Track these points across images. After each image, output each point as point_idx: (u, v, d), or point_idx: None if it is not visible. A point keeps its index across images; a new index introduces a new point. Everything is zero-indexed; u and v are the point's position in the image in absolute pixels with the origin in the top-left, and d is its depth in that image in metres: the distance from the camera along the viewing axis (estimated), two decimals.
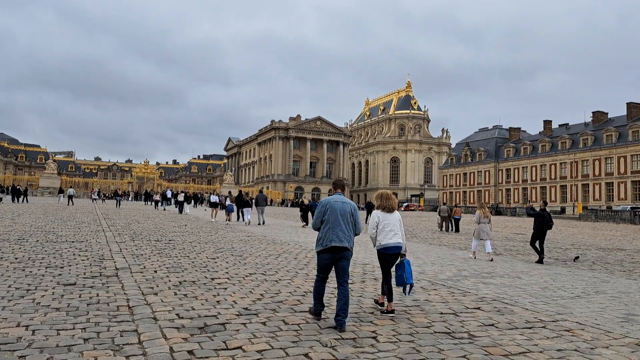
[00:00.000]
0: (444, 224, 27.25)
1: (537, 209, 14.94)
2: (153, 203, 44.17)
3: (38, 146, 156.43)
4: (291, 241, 15.98)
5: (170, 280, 8.14)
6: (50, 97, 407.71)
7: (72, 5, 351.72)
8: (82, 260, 10.09)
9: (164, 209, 39.11)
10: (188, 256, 11.35)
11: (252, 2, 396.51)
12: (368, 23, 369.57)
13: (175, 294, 7.15)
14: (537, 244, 13.53)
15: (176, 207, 35.59)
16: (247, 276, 8.87)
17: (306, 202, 28.76)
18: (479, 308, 6.84)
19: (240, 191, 29.69)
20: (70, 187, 57.20)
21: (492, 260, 12.88)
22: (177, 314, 5.91)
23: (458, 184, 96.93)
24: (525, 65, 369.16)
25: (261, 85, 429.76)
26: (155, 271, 9.05)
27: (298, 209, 36.64)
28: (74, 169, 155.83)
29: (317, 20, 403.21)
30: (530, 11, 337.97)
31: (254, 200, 26.73)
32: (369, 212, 28.54)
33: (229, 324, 5.53)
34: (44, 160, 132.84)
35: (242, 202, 26.01)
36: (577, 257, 14.73)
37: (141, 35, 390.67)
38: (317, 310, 5.88)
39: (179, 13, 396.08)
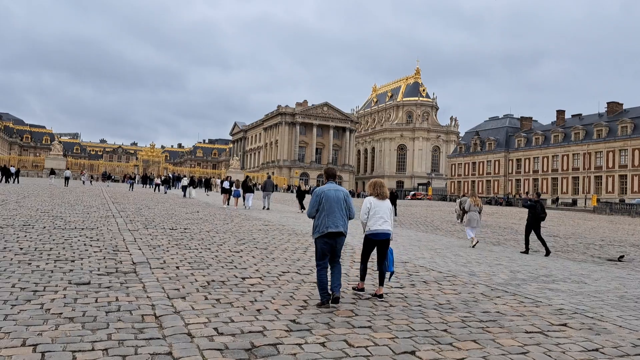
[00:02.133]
0: (464, 215, 26.16)
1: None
2: (153, 186, 43.52)
3: (43, 127, 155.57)
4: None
5: (196, 280, 7.13)
6: (49, 77, 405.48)
7: None
8: (95, 252, 9.08)
9: (165, 193, 38.65)
10: (209, 248, 10.34)
11: None
12: (367, 7, 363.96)
13: (206, 298, 6.13)
14: (530, 236, 13.60)
15: (182, 191, 35.03)
16: (280, 275, 7.85)
17: (303, 187, 28.50)
18: (565, 324, 5.80)
19: (246, 176, 29.79)
20: (68, 168, 56.14)
21: (474, 246, 13.46)
22: (215, 329, 4.89)
23: (467, 173, 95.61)
24: (528, 52, 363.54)
25: (260, 69, 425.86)
26: (177, 267, 8.04)
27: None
28: (79, 151, 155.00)
29: (315, 3, 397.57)
30: None
31: (260, 186, 26.64)
32: (392, 202, 27.40)
33: (282, 345, 4.51)
34: (49, 142, 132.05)
35: (245, 187, 26.00)
36: (622, 257, 13.68)
37: (137, 15, 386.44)
38: (324, 299, 6.03)
39: None
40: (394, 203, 27.55)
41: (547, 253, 12.99)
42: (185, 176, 41.65)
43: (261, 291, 6.69)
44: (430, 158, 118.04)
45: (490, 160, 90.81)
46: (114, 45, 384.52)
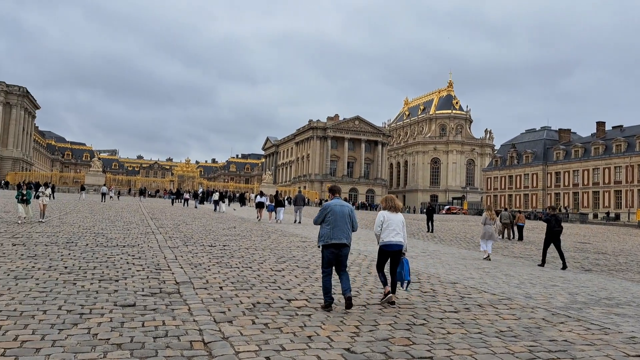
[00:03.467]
0: (505, 231, 25.35)
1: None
2: (183, 201, 45.16)
3: (83, 144, 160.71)
4: (352, 249, 14.59)
5: (241, 302, 6.91)
6: (84, 95, 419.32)
7: (96, 3, 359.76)
8: (138, 270, 9.00)
9: (196, 207, 39.38)
10: (250, 267, 10.15)
11: None
12: (391, 19, 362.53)
13: (254, 322, 5.89)
14: (548, 249, 13.91)
15: (214, 205, 36.14)
16: None
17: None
18: None
19: (277, 191, 30.10)
20: (104, 184, 57.65)
21: (489, 259, 13.85)
22: (267, 358, 4.63)
23: (503, 187, 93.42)
24: (559, 61, 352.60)
25: (287, 83, 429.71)
26: (221, 287, 7.85)
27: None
28: (117, 167, 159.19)
29: (338, 17, 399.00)
30: (560, 4, 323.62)
31: (292, 200, 27.64)
32: (429, 217, 26.87)
33: None
34: (89, 158, 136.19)
35: (276, 201, 26.85)
36: None
37: (165, 33, 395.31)
38: (328, 302, 6.68)
39: (199, 11, 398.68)
40: (430, 218, 26.95)
41: (564, 267, 13.35)
42: (216, 191, 42.29)
43: (309, 315, 6.41)
44: (464, 171, 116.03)
45: (528, 174, 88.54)
46: (144, 62, 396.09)
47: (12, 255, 9.96)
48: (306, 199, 67.70)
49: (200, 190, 56.10)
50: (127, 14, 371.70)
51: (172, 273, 8.94)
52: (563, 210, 74.42)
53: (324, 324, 5.97)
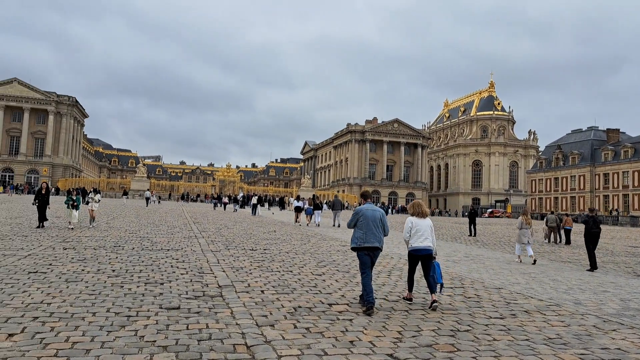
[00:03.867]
0: (551, 234, 24.54)
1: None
2: (222, 204, 46.65)
3: (129, 151, 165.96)
4: (393, 254, 14.44)
5: (283, 306, 6.94)
6: (128, 103, 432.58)
7: (138, 13, 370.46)
8: (182, 274, 9.20)
9: (235, 211, 40.90)
10: (291, 271, 10.19)
11: (306, 3, 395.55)
12: (427, 20, 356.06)
13: (295, 326, 5.90)
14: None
15: (252, 209, 37.37)
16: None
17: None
18: None
19: (313, 195, 30.77)
20: (147, 189, 59.39)
21: (535, 262, 13.84)
22: None
23: (548, 189, 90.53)
24: (604, 59, 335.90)
25: (323, 87, 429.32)
26: (262, 291, 7.92)
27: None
28: (161, 172, 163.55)
29: (373, 19, 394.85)
30: (605, 0, 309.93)
31: (330, 204, 28.33)
32: (471, 220, 26.35)
33: None
34: (134, 164, 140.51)
35: (314, 205, 27.60)
36: None
37: (203, 40, 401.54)
38: (369, 304, 6.73)
39: (236, 18, 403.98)
40: (473, 221, 26.39)
41: (592, 269, 13.19)
42: (255, 195, 43.10)
43: (350, 319, 6.37)
44: (507, 174, 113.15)
45: (575, 176, 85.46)
46: (184, 70, 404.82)
47: (63, 259, 10.37)
48: (345, 203, 67.92)
49: (241, 194, 57.16)
50: (167, 23, 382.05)
51: (215, 276, 9.08)
52: (614, 213, 71.41)
53: (365, 329, 5.92)
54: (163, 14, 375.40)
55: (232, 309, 6.63)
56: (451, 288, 9.02)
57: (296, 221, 27.45)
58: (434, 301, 7.14)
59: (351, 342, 5.38)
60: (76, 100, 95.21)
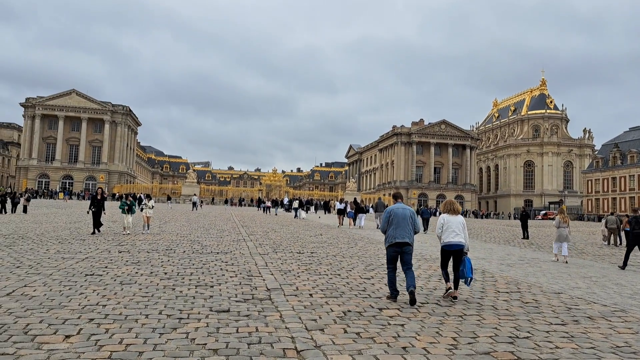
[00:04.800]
0: (611, 236, 23.31)
1: None
2: (263, 208, 48.46)
3: (180, 157, 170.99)
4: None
5: (332, 310, 6.83)
6: (176, 111, 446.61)
7: (183, 24, 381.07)
8: (231, 276, 9.26)
9: (276, 214, 42.54)
10: (339, 274, 10.08)
11: (346, 6, 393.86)
12: (470, 19, 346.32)
13: (345, 331, 5.78)
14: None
15: (294, 212, 38.45)
16: (420, 307, 7.27)
17: (414, 209, 28.75)
18: None
19: (355, 198, 33.43)
20: (195, 194, 60.93)
21: (566, 262, 13.98)
22: None
23: (605, 189, 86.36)
24: None
25: (366, 90, 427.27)
26: (311, 294, 7.84)
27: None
28: (210, 178, 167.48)
29: (414, 20, 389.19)
30: None
31: (373, 207, 28.86)
32: (523, 223, 25.41)
33: None
34: (185, 170, 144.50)
35: (358, 208, 28.22)
36: None
37: (245, 48, 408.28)
38: (393, 295, 7.59)
39: (277, 24, 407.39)
40: (525, 224, 25.41)
41: (623, 267, 13.47)
42: (296, 199, 43.66)
43: (402, 325, 6.18)
44: (561, 174, 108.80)
45: (634, 175, 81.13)
46: (228, 77, 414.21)
47: (118, 262, 10.67)
48: (387, 206, 67.56)
49: (287, 199, 58.15)
50: (210, 32, 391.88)
51: (263, 279, 9.09)
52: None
53: (418, 335, 5.72)
54: (206, 24, 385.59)
55: (281, 312, 6.58)
56: (507, 293, 8.65)
57: (340, 224, 28.05)
58: (456, 297, 7.77)
59: (404, 348, 5.20)
60: (130, 109, 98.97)
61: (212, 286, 8.27)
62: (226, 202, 71.15)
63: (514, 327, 6.24)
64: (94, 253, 12.07)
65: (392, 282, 7.61)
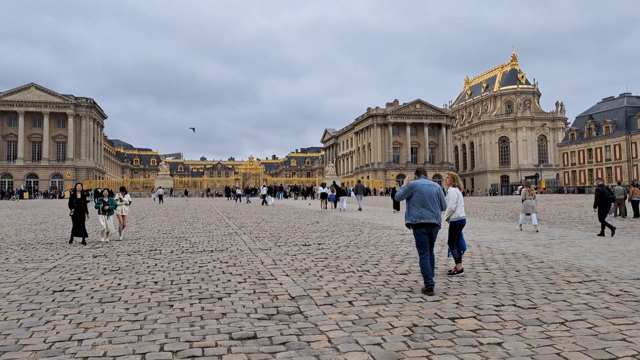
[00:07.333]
0: (618, 208, 22.28)
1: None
2: (235, 197, 49.19)
3: (150, 150, 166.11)
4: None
5: (391, 325, 5.10)
6: (135, 103, 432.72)
7: (131, 10, 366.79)
8: (239, 282, 7.44)
9: (248, 202, 43.85)
10: (367, 270, 8.36)
11: None
12: None
13: (430, 359, 4.06)
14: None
15: (262, 199, 38.44)
16: (499, 312, 5.61)
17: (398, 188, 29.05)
18: None
19: (334, 182, 34.09)
20: (160, 187, 58.15)
21: (537, 231, 14.68)
22: None
23: (582, 161, 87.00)
24: (613, 23, 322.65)
25: (327, 72, 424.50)
26: (350, 302, 6.10)
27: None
28: (182, 169, 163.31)
29: (367, 1, 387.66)
30: None
31: (353, 189, 31.46)
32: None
33: None
34: (156, 163, 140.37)
35: (339, 191, 28.75)
36: None
37: (199, 34, 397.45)
38: (429, 286, 6.52)
39: (230, 9, 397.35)
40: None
41: (601, 234, 13.68)
42: (264, 186, 42.20)
43: (499, 344, 4.50)
44: (536, 149, 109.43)
45: (609, 145, 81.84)
46: (185, 65, 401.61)
47: (94, 270, 8.70)
48: (367, 188, 66.71)
49: (263, 186, 56.59)
50: (160, 18, 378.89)
51: (280, 283, 7.31)
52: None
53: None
54: (155, 11, 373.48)
55: (328, 334, 4.82)
56: (583, 282, 7.07)
57: (324, 208, 28.42)
58: (461, 270, 7.81)
59: None
60: (94, 102, 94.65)
61: (219, 298, 6.44)
62: (186, 193, 67.43)
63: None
64: (63, 260, 10.04)
65: (427, 271, 6.62)
